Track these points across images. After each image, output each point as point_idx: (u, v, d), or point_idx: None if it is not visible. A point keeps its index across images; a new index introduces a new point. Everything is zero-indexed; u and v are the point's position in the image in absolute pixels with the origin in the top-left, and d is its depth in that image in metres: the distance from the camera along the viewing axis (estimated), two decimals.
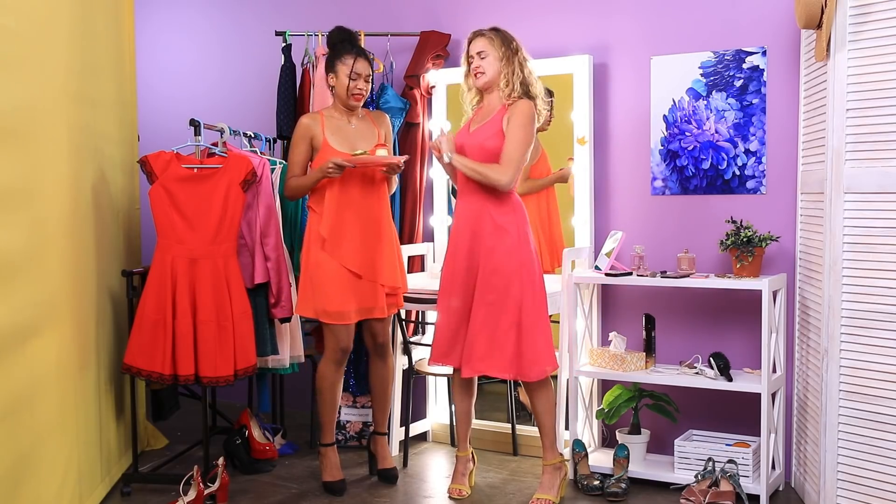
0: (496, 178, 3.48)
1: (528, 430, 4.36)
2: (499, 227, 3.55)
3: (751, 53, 3.93)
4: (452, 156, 3.56)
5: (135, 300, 3.84)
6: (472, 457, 3.88)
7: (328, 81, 3.84)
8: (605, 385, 4.23)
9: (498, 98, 3.62)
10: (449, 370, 4.10)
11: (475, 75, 3.61)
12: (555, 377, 4.10)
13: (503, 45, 3.58)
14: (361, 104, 3.85)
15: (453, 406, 3.86)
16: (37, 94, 2.94)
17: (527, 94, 3.58)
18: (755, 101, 3.93)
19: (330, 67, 3.82)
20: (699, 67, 4.03)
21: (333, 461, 3.90)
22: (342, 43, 3.83)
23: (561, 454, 3.73)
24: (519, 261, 3.54)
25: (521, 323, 3.52)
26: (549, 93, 4.14)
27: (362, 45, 3.88)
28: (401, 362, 4.35)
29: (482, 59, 3.59)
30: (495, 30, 3.62)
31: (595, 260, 4.14)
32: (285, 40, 4.68)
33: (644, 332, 3.97)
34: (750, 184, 3.96)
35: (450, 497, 3.75)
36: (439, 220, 4.62)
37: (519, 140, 3.51)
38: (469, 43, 3.65)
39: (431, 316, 4.56)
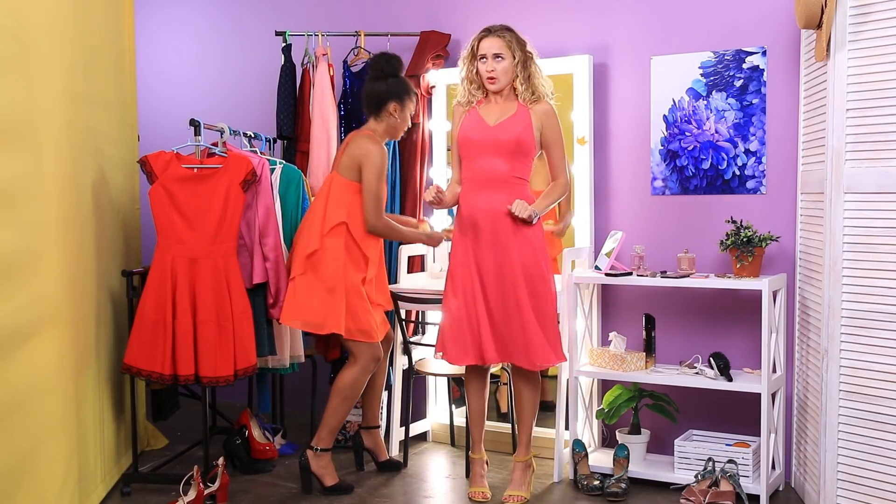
0: (565, 193, 3.66)
1: None
2: (524, 221, 3.56)
3: (751, 53, 3.93)
4: (537, 212, 3.54)
5: (135, 300, 3.84)
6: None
7: (389, 108, 3.80)
8: (605, 385, 4.23)
9: (510, 96, 3.61)
10: (448, 370, 4.10)
11: (489, 79, 3.56)
12: (554, 377, 4.11)
13: (520, 48, 3.56)
14: None
15: (467, 406, 3.80)
16: (37, 94, 2.94)
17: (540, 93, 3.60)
18: (755, 101, 3.93)
19: (398, 97, 3.81)
20: (699, 67, 4.03)
21: (332, 464, 3.90)
22: (405, 82, 3.86)
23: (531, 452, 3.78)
24: (546, 253, 3.61)
25: (552, 310, 3.61)
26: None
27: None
28: (400, 362, 4.35)
29: (497, 62, 3.54)
30: (509, 30, 3.57)
31: (595, 260, 4.14)
32: (285, 40, 4.68)
33: (644, 332, 3.97)
34: (750, 184, 3.96)
35: (471, 500, 3.72)
36: (439, 219, 4.62)
37: (562, 147, 3.65)
38: (480, 40, 3.58)
39: (431, 316, 4.57)
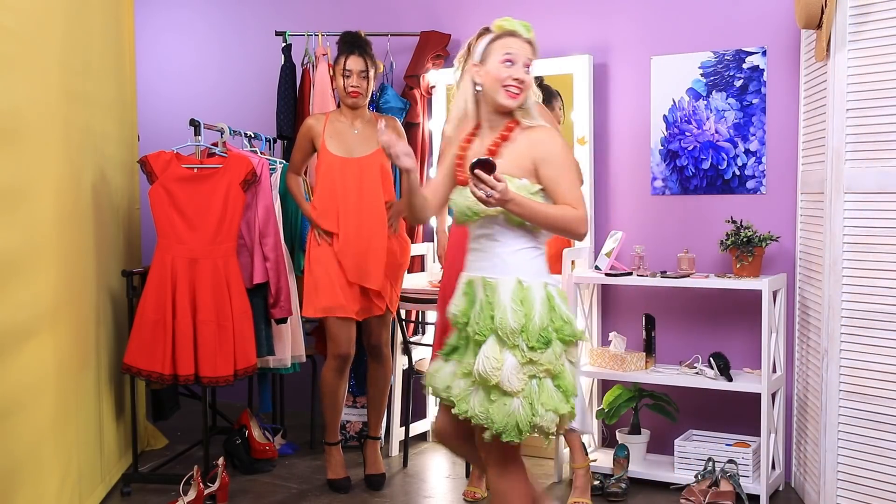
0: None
1: None
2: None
3: (751, 53, 3.93)
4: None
5: (135, 300, 3.84)
6: None
7: (333, 87, 3.96)
8: (605, 385, 4.23)
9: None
10: None
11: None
12: None
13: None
14: (361, 102, 3.81)
15: None
16: (37, 94, 2.94)
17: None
18: (755, 101, 3.93)
19: (332, 72, 3.93)
20: (699, 67, 4.03)
21: (338, 459, 3.91)
22: (340, 46, 3.83)
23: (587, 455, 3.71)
24: None
25: None
26: (557, 94, 4.09)
27: (366, 44, 3.82)
28: (400, 362, 4.35)
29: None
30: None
31: (595, 260, 4.14)
32: (285, 40, 4.68)
33: (644, 332, 3.97)
34: (750, 184, 3.96)
35: (464, 498, 3.72)
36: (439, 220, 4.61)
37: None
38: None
39: (431, 316, 4.56)
